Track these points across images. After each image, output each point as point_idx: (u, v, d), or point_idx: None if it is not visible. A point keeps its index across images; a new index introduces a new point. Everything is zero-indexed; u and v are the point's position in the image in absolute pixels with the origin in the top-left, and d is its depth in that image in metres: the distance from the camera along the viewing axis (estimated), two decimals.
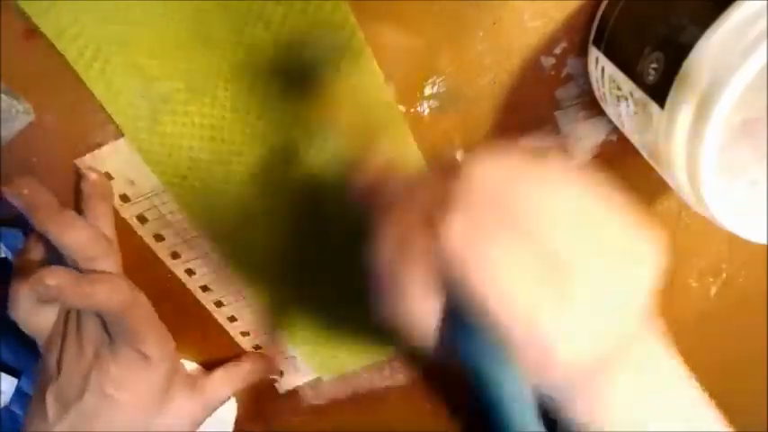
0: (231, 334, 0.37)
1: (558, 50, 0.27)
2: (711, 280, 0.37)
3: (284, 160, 0.30)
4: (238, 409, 0.41)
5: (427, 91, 0.29)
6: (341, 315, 0.37)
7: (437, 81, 0.28)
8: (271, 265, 0.34)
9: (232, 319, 0.36)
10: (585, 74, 0.28)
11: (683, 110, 0.19)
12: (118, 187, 0.30)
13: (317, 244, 0.33)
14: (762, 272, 0.37)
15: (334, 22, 0.26)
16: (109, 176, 0.30)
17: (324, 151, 0.29)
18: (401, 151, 0.30)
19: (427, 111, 0.29)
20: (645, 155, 0.24)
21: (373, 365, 0.40)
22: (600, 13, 0.26)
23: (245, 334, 0.37)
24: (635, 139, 0.25)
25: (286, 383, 0.40)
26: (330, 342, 0.38)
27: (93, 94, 0.27)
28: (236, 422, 0.41)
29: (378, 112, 0.29)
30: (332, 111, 0.28)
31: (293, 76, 0.27)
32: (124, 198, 0.31)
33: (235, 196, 0.31)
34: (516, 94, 0.29)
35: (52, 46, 0.26)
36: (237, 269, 0.34)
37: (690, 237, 0.35)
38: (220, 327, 0.37)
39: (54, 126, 0.28)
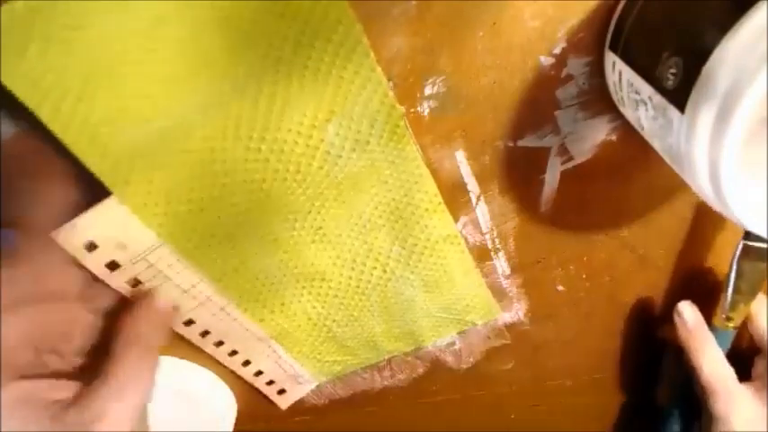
0: (233, 368, 0.37)
1: (557, 50, 0.27)
2: (712, 280, 0.37)
3: (288, 177, 0.29)
4: (238, 409, 0.41)
5: (427, 91, 0.29)
6: (341, 323, 0.37)
7: (437, 81, 0.28)
8: (269, 291, 0.34)
9: (233, 353, 0.36)
10: (585, 74, 0.28)
11: (703, 115, 0.19)
12: (104, 255, 0.27)
13: (318, 260, 0.33)
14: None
15: (339, 31, 0.25)
16: (93, 245, 0.27)
17: (328, 162, 0.29)
18: (399, 151, 0.30)
19: (427, 111, 0.29)
20: (666, 159, 0.24)
21: (373, 366, 0.40)
22: (615, 17, 0.26)
23: (258, 373, 0.38)
24: (655, 143, 0.25)
25: (291, 397, 0.40)
26: (330, 349, 0.38)
27: None
28: (236, 422, 0.41)
29: (380, 115, 0.29)
30: (336, 117, 0.28)
31: (298, 89, 0.26)
32: (112, 265, 0.28)
33: (237, 226, 0.30)
34: (516, 94, 0.29)
35: None
36: (236, 301, 0.33)
37: (690, 236, 0.35)
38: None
39: None
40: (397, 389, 0.41)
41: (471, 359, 0.40)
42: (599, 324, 0.39)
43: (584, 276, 0.36)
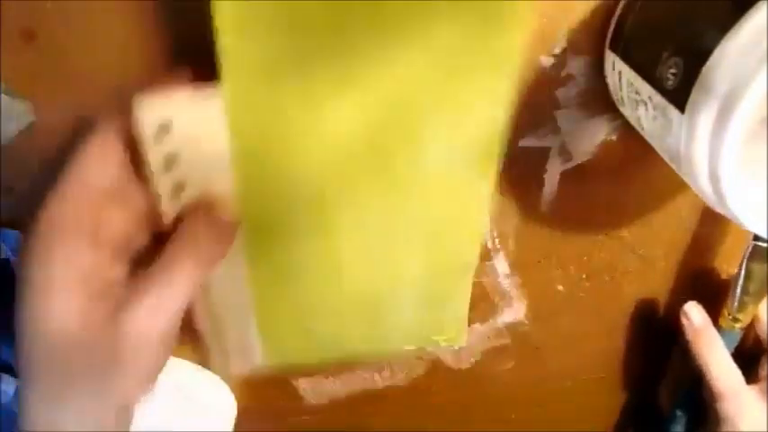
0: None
1: (557, 50, 0.27)
2: (713, 280, 0.37)
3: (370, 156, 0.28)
4: (238, 408, 0.41)
5: None
6: (318, 313, 0.35)
7: None
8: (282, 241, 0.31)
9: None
10: (585, 74, 0.28)
11: (703, 115, 0.19)
12: (171, 143, 0.25)
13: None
14: None
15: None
16: (167, 129, 0.24)
17: (410, 163, 0.28)
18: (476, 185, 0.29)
19: None
20: (665, 158, 0.24)
21: (373, 366, 0.40)
22: (615, 17, 0.26)
23: None
24: (655, 142, 0.25)
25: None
26: (292, 330, 0.36)
27: (93, 93, 0.27)
28: (236, 423, 0.41)
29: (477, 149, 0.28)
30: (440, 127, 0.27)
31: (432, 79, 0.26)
32: (171, 159, 0.25)
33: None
34: (516, 94, 0.29)
35: (52, 46, 0.26)
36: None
37: (689, 236, 0.35)
38: None
39: (54, 126, 0.28)
40: (397, 389, 0.41)
41: (471, 359, 0.40)
42: (599, 324, 0.39)
43: (584, 276, 0.36)
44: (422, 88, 0.26)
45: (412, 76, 0.25)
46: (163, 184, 0.26)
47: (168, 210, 0.27)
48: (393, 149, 0.28)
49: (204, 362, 0.38)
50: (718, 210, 0.22)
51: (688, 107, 0.20)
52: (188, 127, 0.25)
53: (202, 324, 0.34)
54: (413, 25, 0.24)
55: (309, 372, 0.40)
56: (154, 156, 0.25)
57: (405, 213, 0.31)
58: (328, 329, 0.36)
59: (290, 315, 0.35)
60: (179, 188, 0.26)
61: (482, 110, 0.26)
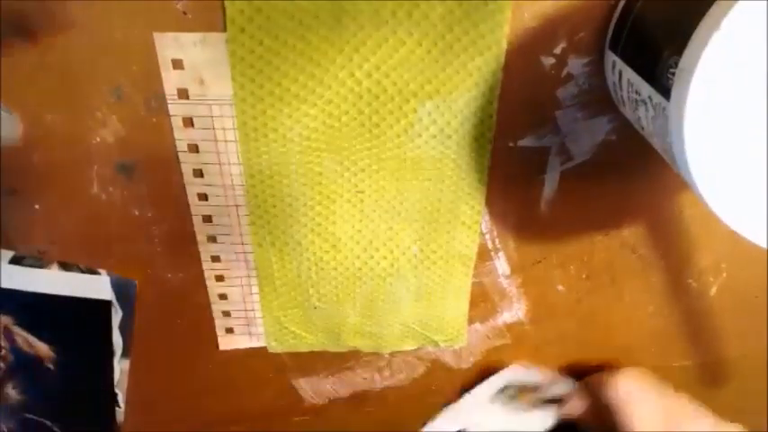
0: (206, 274, 0.35)
1: (558, 50, 0.27)
2: (712, 279, 0.37)
3: (366, 122, 0.30)
4: (237, 410, 0.41)
5: None
6: (322, 297, 0.36)
7: None
8: (283, 217, 0.33)
9: (216, 259, 0.35)
10: (585, 73, 0.28)
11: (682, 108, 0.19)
12: (182, 79, 0.28)
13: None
14: (762, 271, 0.37)
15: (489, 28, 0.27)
16: (180, 64, 0.27)
17: (407, 134, 0.30)
18: (472, 160, 0.30)
19: None
20: (665, 158, 0.24)
21: (373, 366, 0.40)
22: (615, 17, 0.26)
23: (222, 297, 0.36)
24: (655, 142, 0.25)
25: (234, 342, 0.39)
26: (295, 318, 0.37)
27: (93, 94, 0.27)
28: (235, 422, 0.40)
29: (476, 119, 0.29)
30: (439, 98, 0.29)
31: (424, 51, 0.27)
32: (181, 94, 0.28)
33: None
34: (516, 94, 0.29)
35: (52, 46, 0.26)
36: (251, 205, 0.32)
37: (690, 236, 0.35)
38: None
39: (54, 126, 0.28)
40: (397, 389, 0.41)
41: (471, 359, 0.40)
42: (599, 324, 0.39)
43: (584, 276, 0.36)
44: (411, 68, 0.27)
45: (402, 55, 0.27)
46: (175, 116, 0.29)
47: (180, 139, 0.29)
48: (385, 123, 0.29)
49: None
50: (713, 210, 0.22)
51: (672, 100, 0.20)
52: (197, 65, 0.27)
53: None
54: (403, 5, 0.26)
55: (310, 372, 0.40)
56: (168, 87, 0.28)
57: (399, 191, 0.32)
58: (328, 312, 0.37)
59: (292, 296, 0.36)
60: (187, 123, 0.29)
61: (471, 92, 0.28)
